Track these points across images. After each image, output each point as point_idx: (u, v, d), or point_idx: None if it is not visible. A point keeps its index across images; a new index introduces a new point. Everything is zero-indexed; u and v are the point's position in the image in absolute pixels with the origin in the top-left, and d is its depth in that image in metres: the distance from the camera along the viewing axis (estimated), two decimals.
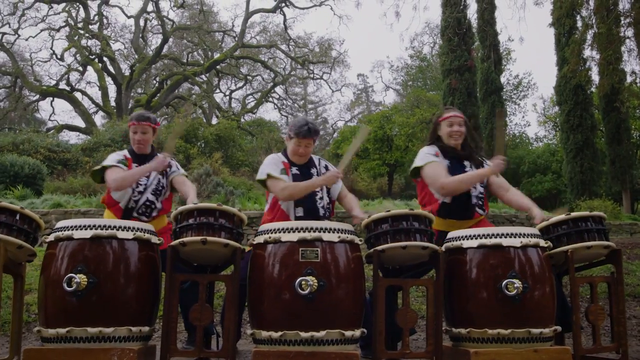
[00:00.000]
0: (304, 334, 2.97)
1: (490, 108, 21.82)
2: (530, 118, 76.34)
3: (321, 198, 3.81)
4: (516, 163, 25.13)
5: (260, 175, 3.85)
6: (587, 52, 15.52)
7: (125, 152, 4.14)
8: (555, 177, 23.51)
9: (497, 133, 3.88)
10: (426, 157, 3.89)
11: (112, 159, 4.03)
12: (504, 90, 27.81)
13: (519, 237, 3.27)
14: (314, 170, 3.91)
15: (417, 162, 3.92)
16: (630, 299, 5.83)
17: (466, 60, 20.38)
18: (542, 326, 3.18)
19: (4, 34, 30.30)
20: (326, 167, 3.99)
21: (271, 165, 3.83)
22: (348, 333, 3.05)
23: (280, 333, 2.99)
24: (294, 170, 3.84)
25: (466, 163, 3.93)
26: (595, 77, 16.79)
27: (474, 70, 21.09)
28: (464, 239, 3.34)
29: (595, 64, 15.67)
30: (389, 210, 3.29)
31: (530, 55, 55.93)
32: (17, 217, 3.17)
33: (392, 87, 42.04)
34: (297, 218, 3.71)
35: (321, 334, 2.97)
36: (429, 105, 25.76)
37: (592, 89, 19.59)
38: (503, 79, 26.42)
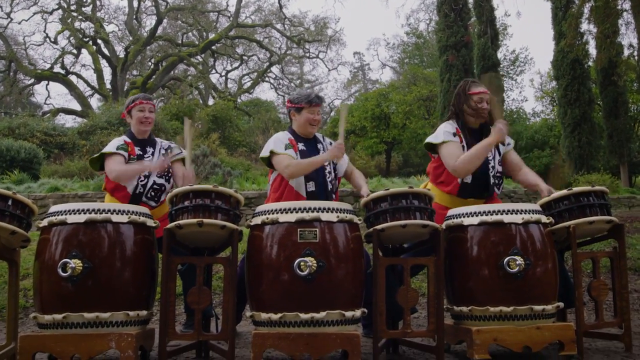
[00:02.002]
0: (303, 315, 2.93)
1: (487, 84, 21.69)
2: (528, 93, 76.16)
3: (329, 172, 3.81)
4: (514, 139, 25.05)
5: (264, 152, 3.83)
6: (584, 26, 15.44)
7: (125, 137, 4.06)
8: (553, 152, 23.47)
9: (490, 98, 3.78)
10: (444, 134, 3.81)
11: (112, 145, 3.95)
12: (501, 65, 27.68)
13: (521, 213, 3.22)
14: (320, 146, 3.94)
15: (433, 139, 3.85)
16: (631, 273, 5.81)
17: (463, 37, 20.24)
18: (544, 303, 3.14)
19: None
20: (330, 144, 3.98)
21: (275, 142, 3.82)
22: (348, 313, 3.01)
23: (279, 315, 2.95)
24: (301, 146, 3.85)
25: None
26: (592, 50, 16.72)
27: (470, 46, 20.93)
28: (464, 216, 3.29)
29: (592, 38, 15.59)
30: (387, 189, 3.24)
31: (527, 30, 55.64)
32: (10, 203, 3.09)
33: (388, 65, 41.93)
34: (309, 193, 3.71)
35: (321, 315, 2.93)
36: (425, 82, 25.65)
37: (590, 63, 19.49)
38: (500, 55, 26.33)
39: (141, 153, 3.99)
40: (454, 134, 3.81)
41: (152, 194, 3.91)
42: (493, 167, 3.81)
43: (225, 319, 3.08)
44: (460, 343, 3.31)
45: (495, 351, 3.28)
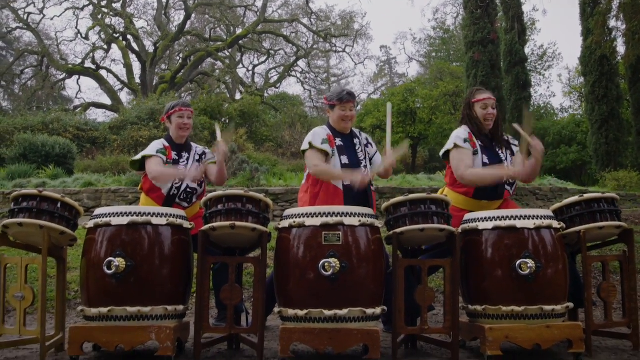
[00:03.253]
0: (327, 312, 3.16)
1: (515, 80, 21.68)
2: (556, 89, 75.29)
3: (365, 167, 4.09)
4: (541, 134, 24.96)
5: (304, 145, 4.09)
6: (612, 23, 15.34)
7: (164, 140, 4.30)
8: (580, 148, 23.33)
9: (523, 133, 3.89)
10: (455, 139, 3.99)
11: (152, 148, 4.20)
12: (529, 61, 27.52)
13: (533, 219, 3.41)
14: (356, 141, 4.18)
15: (447, 145, 4.05)
16: None
17: (489, 33, 20.22)
18: (554, 303, 3.33)
19: (29, 13, 30.80)
20: (367, 140, 4.24)
21: (314, 136, 4.08)
22: (369, 311, 3.24)
23: (305, 311, 3.20)
24: (338, 141, 4.09)
25: (496, 144, 4.04)
26: (620, 47, 16.60)
27: (497, 43, 20.90)
28: (479, 221, 3.49)
29: (620, 35, 15.49)
30: (407, 194, 3.46)
31: (556, 25, 54.95)
32: (59, 205, 3.41)
33: (415, 59, 41.82)
34: (345, 187, 3.94)
35: (344, 312, 3.17)
36: (452, 77, 25.63)
37: (618, 59, 19.33)
38: (527, 50, 26.11)
39: (177, 157, 4.23)
40: (465, 140, 3.97)
41: (185, 196, 4.15)
42: (508, 167, 3.97)
43: (255, 314, 3.35)
44: (475, 340, 3.52)
45: (507, 348, 3.48)
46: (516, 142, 4.11)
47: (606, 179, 17.37)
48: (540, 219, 3.42)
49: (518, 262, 3.29)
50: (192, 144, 4.40)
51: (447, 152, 4.05)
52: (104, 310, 3.21)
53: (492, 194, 3.95)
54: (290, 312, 3.26)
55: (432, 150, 28.16)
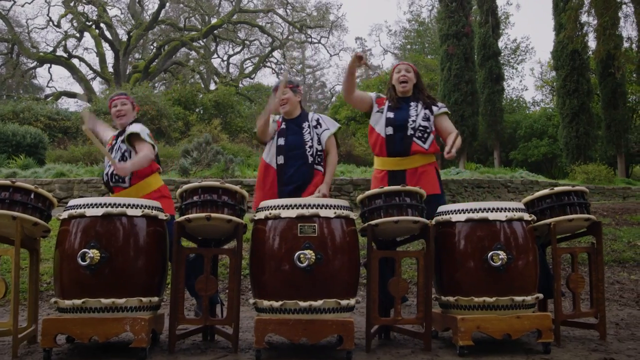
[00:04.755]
0: (302, 303, 3.19)
1: (488, 73, 21.88)
2: (528, 82, 76.17)
3: (310, 147, 4.16)
4: (513, 127, 25.26)
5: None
6: (584, 18, 15.57)
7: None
8: (551, 141, 23.68)
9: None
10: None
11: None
12: (502, 54, 27.78)
13: (505, 211, 3.47)
14: (305, 124, 4.26)
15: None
16: (615, 265, 6.08)
17: (463, 26, 20.38)
18: (524, 294, 3.40)
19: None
20: (317, 121, 4.30)
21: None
22: (344, 302, 3.28)
23: (280, 302, 3.22)
24: (282, 125, 4.27)
25: (412, 103, 4.25)
26: (591, 42, 16.87)
27: (471, 36, 21.08)
28: (452, 213, 3.55)
29: (592, 30, 15.73)
30: (382, 187, 3.50)
31: (529, 20, 55.55)
32: (32, 196, 3.38)
33: (390, 51, 41.93)
34: (278, 147, 4.16)
35: (319, 303, 3.19)
36: (426, 70, 25.76)
37: (589, 54, 19.64)
38: (501, 44, 26.43)
39: (114, 143, 4.21)
40: (377, 96, 4.44)
41: (117, 178, 4.03)
42: (414, 121, 4.16)
43: (230, 305, 3.36)
44: (447, 330, 3.58)
45: (478, 338, 3.55)
46: (439, 104, 4.34)
47: (576, 172, 17.68)
48: (512, 211, 3.48)
49: (490, 254, 3.35)
50: (133, 124, 4.25)
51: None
52: (77, 302, 3.19)
53: (399, 148, 4.14)
54: (266, 303, 3.28)
55: None
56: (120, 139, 4.15)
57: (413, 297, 5.12)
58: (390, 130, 4.15)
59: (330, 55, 59.50)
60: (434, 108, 4.26)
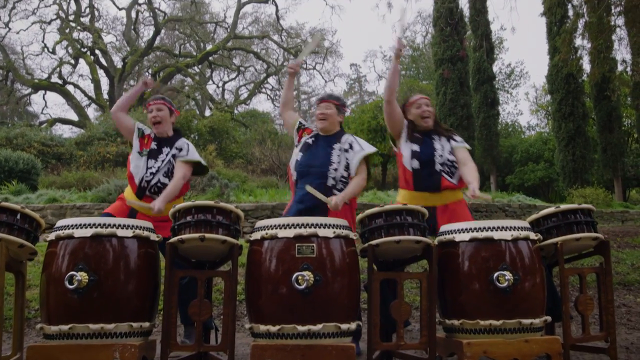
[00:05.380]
0: (301, 328, 3.04)
1: (483, 97, 21.92)
2: (523, 107, 76.55)
3: (335, 169, 3.92)
4: (509, 152, 25.25)
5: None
6: (578, 41, 15.59)
7: (151, 128, 4.35)
8: (548, 165, 23.64)
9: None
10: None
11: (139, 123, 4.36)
12: (496, 79, 27.90)
13: (510, 230, 3.34)
14: (336, 145, 4.02)
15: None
16: (620, 288, 5.94)
17: (458, 50, 20.47)
18: (532, 317, 3.26)
19: None
20: (350, 144, 4.03)
21: (300, 120, 4.30)
22: (344, 326, 3.13)
23: (278, 327, 3.06)
24: (308, 139, 4.13)
25: (434, 137, 4.11)
26: (586, 65, 16.89)
27: (466, 60, 21.17)
28: (456, 233, 3.42)
29: (586, 53, 15.74)
30: (383, 205, 3.37)
31: (523, 44, 56.07)
32: (18, 217, 3.22)
33: (385, 77, 42.04)
34: (296, 163, 4.04)
35: (318, 327, 3.04)
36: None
37: (584, 78, 19.70)
38: (495, 68, 26.50)
39: (156, 148, 4.21)
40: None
41: (156, 189, 4.07)
42: (441, 156, 4.01)
43: (225, 330, 3.20)
44: (452, 355, 3.42)
45: None
46: (459, 138, 4.19)
47: (573, 195, 17.58)
48: (518, 230, 3.36)
49: (496, 275, 3.22)
50: (182, 139, 4.34)
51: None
52: (64, 327, 3.03)
53: (427, 183, 3.97)
54: (262, 328, 3.13)
55: None
56: (170, 152, 4.20)
57: (415, 321, 4.96)
58: (416, 164, 3.99)
59: (325, 82, 59.61)
60: (453, 142, 4.12)
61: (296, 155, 4.06)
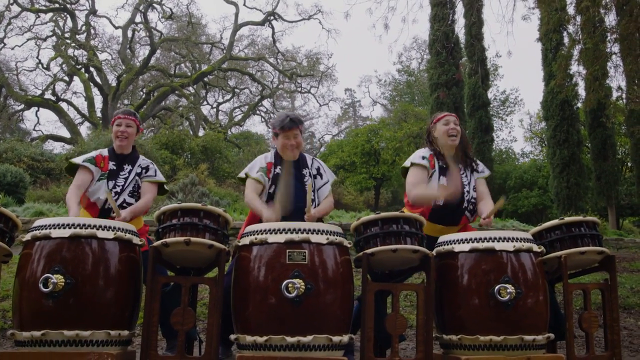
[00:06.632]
0: (290, 339, 2.85)
1: (477, 123, 21.90)
2: (517, 134, 76.95)
3: (313, 200, 3.73)
4: (503, 178, 25.20)
5: (241, 173, 3.87)
6: (574, 68, 15.58)
7: (103, 150, 4.10)
8: (542, 192, 23.58)
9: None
10: (413, 157, 3.91)
11: (81, 157, 4.05)
12: (491, 105, 27.96)
13: (512, 241, 3.18)
14: (305, 171, 3.88)
15: (406, 163, 3.94)
16: (620, 311, 5.76)
17: (454, 75, 20.47)
18: (535, 333, 3.09)
19: None
20: (317, 170, 3.93)
21: (253, 164, 3.88)
22: (336, 338, 2.94)
23: (265, 338, 2.88)
24: (277, 169, 3.81)
25: (460, 166, 3.91)
26: (581, 92, 16.91)
27: (461, 85, 21.17)
28: (455, 243, 3.26)
29: (581, 79, 15.75)
30: (379, 212, 3.20)
31: (518, 71, 56.48)
32: None
33: (379, 102, 42.14)
34: (271, 194, 3.75)
35: (308, 338, 2.86)
36: (416, 119, 25.83)
37: (579, 105, 19.72)
38: (490, 95, 26.62)
39: (115, 168, 4.01)
40: (424, 157, 3.87)
41: (112, 212, 3.83)
42: (468, 192, 3.85)
43: (210, 341, 3.00)
44: None
45: None
46: (481, 166, 4.03)
47: None
48: (520, 241, 3.20)
49: (497, 288, 3.06)
50: (141, 156, 4.16)
51: (405, 170, 3.94)
52: (37, 333, 2.83)
53: (447, 218, 3.81)
54: (249, 338, 2.94)
55: (395, 192, 28.15)
56: (133, 169, 4.03)
57: (409, 340, 4.76)
58: (440, 201, 3.75)
59: (320, 105, 59.47)
60: (476, 174, 3.98)
61: (266, 188, 3.78)
